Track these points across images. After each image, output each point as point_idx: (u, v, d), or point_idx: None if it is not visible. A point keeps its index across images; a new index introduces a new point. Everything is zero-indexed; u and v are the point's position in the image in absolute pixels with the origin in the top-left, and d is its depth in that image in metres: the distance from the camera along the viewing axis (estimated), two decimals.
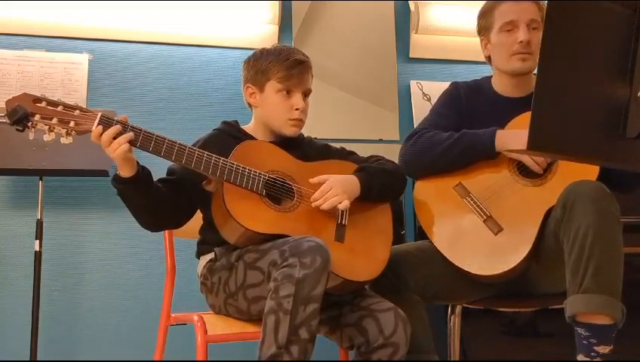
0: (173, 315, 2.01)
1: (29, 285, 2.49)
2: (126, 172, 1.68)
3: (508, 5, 2.04)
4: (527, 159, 1.92)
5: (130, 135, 1.63)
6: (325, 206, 1.81)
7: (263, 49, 1.95)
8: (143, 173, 1.72)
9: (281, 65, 1.88)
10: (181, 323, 1.99)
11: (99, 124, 1.63)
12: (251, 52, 1.98)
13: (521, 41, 1.99)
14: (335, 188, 1.82)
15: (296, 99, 1.90)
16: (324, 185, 1.83)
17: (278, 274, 1.57)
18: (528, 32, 2.00)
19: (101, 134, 1.62)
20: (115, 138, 1.63)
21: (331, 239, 1.82)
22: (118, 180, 1.70)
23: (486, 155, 1.98)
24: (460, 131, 2.02)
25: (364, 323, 1.76)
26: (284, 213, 1.80)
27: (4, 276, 2.65)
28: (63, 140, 1.63)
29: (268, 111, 1.92)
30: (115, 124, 1.64)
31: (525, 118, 1.92)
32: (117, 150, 1.62)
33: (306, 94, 1.93)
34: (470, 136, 2.00)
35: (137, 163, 1.70)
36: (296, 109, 1.89)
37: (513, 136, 1.94)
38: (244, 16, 2.95)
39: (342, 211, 1.86)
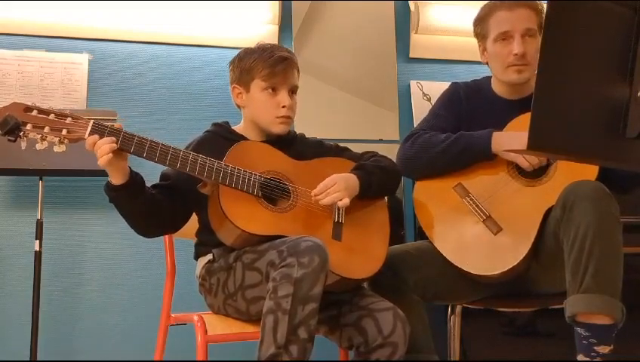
0: (173, 315, 2.01)
1: (29, 285, 2.48)
2: (117, 179, 1.68)
3: (503, 14, 2.01)
4: (521, 160, 1.91)
5: (110, 139, 1.60)
6: (326, 200, 1.80)
7: (247, 48, 1.94)
8: (134, 179, 1.71)
9: (265, 62, 1.87)
10: (181, 323, 2.00)
11: (91, 132, 1.62)
12: None
13: (516, 54, 1.97)
14: (339, 183, 1.82)
15: (282, 96, 1.88)
16: (328, 179, 1.82)
17: (276, 274, 1.58)
18: (523, 42, 1.97)
19: (95, 142, 1.61)
20: None
21: (329, 237, 1.82)
22: (110, 188, 1.70)
23: (483, 157, 1.98)
24: (457, 133, 2.02)
25: (363, 322, 1.76)
26: (281, 213, 1.80)
27: (4, 276, 2.65)
28: (56, 148, 1.61)
29: (255, 110, 1.92)
30: (108, 131, 1.62)
31: (523, 119, 1.92)
32: (103, 156, 1.60)
33: (292, 91, 1.92)
34: (467, 138, 1.99)
35: (130, 169, 1.70)
36: (283, 106, 1.88)
37: (509, 137, 1.93)
38: (244, 16, 2.95)
39: (339, 209, 1.86)
